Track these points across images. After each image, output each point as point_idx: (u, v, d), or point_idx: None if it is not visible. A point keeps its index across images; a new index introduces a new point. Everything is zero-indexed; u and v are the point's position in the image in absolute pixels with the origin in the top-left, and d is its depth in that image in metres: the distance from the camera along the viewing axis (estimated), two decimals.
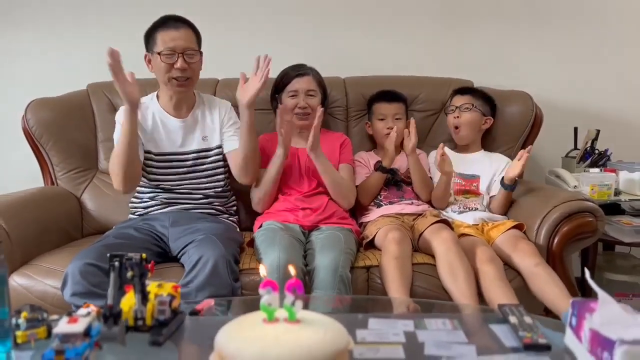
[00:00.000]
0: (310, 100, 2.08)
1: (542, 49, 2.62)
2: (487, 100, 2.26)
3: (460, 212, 2.08)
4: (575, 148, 2.48)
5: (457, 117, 2.21)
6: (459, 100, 2.24)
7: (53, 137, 2.18)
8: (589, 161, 2.36)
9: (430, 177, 2.20)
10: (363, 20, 2.59)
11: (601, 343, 0.84)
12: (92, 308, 0.98)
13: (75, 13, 2.52)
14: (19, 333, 0.98)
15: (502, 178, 2.05)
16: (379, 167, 2.10)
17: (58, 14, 2.52)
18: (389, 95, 2.24)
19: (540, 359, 0.94)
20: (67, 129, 2.21)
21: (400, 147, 2.18)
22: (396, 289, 1.63)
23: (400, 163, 2.18)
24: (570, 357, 0.94)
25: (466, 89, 2.29)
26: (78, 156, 2.23)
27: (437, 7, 2.60)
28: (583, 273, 1.00)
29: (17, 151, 2.39)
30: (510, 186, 2.03)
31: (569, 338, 0.97)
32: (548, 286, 1.67)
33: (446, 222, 1.92)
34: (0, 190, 2.08)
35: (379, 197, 2.14)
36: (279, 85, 2.14)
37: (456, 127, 2.22)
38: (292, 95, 2.08)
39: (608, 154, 2.36)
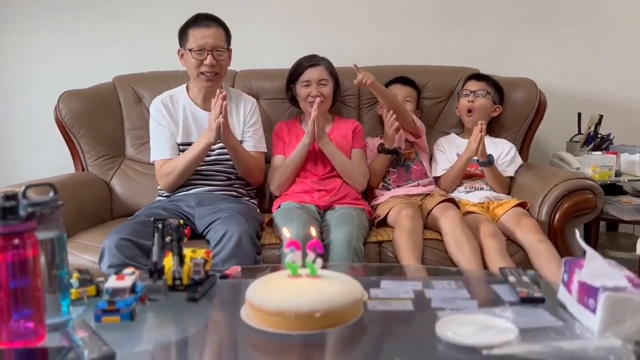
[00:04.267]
0: (323, 89, 2.18)
1: (546, 37, 2.69)
2: (498, 89, 2.34)
3: (467, 192, 2.18)
4: (579, 133, 2.56)
5: (472, 101, 2.28)
6: (474, 85, 2.31)
7: (83, 127, 2.31)
8: (592, 145, 2.45)
9: (436, 162, 2.31)
10: (374, 12, 2.68)
11: (587, 292, 0.95)
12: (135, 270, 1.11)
13: (100, 11, 2.65)
14: (72, 291, 1.10)
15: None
16: (382, 149, 2.21)
17: (83, 13, 2.65)
18: (404, 79, 2.37)
19: (535, 310, 1.04)
20: (96, 118, 2.34)
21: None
22: (408, 258, 1.75)
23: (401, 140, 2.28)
24: (561, 308, 1.04)
25: (481, 76, 2.37)
26: (107, 144, 2.35)
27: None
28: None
29: (49, 140, 2.53)
30: (484, 162, 2.10)
31: (562, 293, 1.08)
32: (548, 263, 1.76)
33: (453, 201, 2.03)
34: (34, 176, 2.19)
35: (387, 180, 2.26)
36: (293, 75, 2.24)
37: (469, 111, 2.29)
38: (305, 85, 2.19)
39: (610, 137, 2.45)
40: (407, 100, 2.32)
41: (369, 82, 2.00)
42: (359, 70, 2.01)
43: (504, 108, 2.37)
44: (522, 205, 2.02)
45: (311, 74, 2.18)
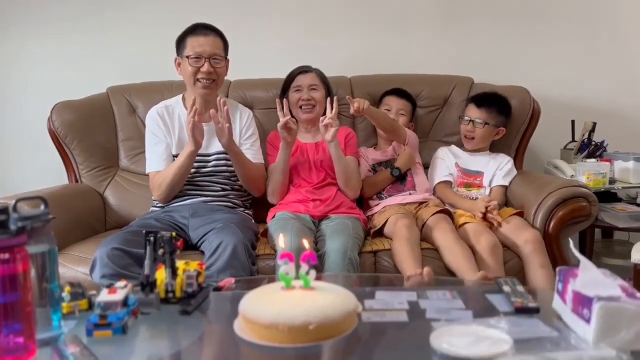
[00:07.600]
0: (314, 93, 2.19)
1: (539, 45, 2.70)
2: (501, 111, 2.29)
3: None
4: (573, 140, 2.56)
5: (471, 131, 2.26)
6: (474, 113, 2.26)
7: (77, 138, 2.30)
8: (586, 152, 2.45)
9: (435, 169, 2.31)
10: (367, 22, 2.69)
11: (582, 301, 0.94)
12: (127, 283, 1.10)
13: (93, 21, 2.65)
14: (64, 304, 1.08)
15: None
16: (396, 174, 2.20)
17: (77, 23, 2.65)
18: (400, 92, 2.37)
19: (530, 321, 1.04)
20: (90, 129, 2.33)
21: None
22: (410, 265, 1.74)
23: (391, 152, 2.31)
24: (556, 317, 1.04)
25: (483, 100, 2.28)
26: (100, 155, 2.34)
27: (438, 8, 2.70)
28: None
29: (42, 151, 2.52)
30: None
31: (556, 302, 1.07)
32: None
33: (447, 212, 2.03)
34: (28, 187, 2.21)
35: (381, 191, 2.25)
36: (286, 84, 2.26)
37: (469, 137, 2.29)
38: (297, 90, 2.20)
39: (604, 145, 2.46)
40: (401, 114, 2.32)
41: (365, 107, 2.01)
42: (352, 101, 2.02)
43: None
44: (518, 214, 2.01)
45: (302, 79, 2.20)
